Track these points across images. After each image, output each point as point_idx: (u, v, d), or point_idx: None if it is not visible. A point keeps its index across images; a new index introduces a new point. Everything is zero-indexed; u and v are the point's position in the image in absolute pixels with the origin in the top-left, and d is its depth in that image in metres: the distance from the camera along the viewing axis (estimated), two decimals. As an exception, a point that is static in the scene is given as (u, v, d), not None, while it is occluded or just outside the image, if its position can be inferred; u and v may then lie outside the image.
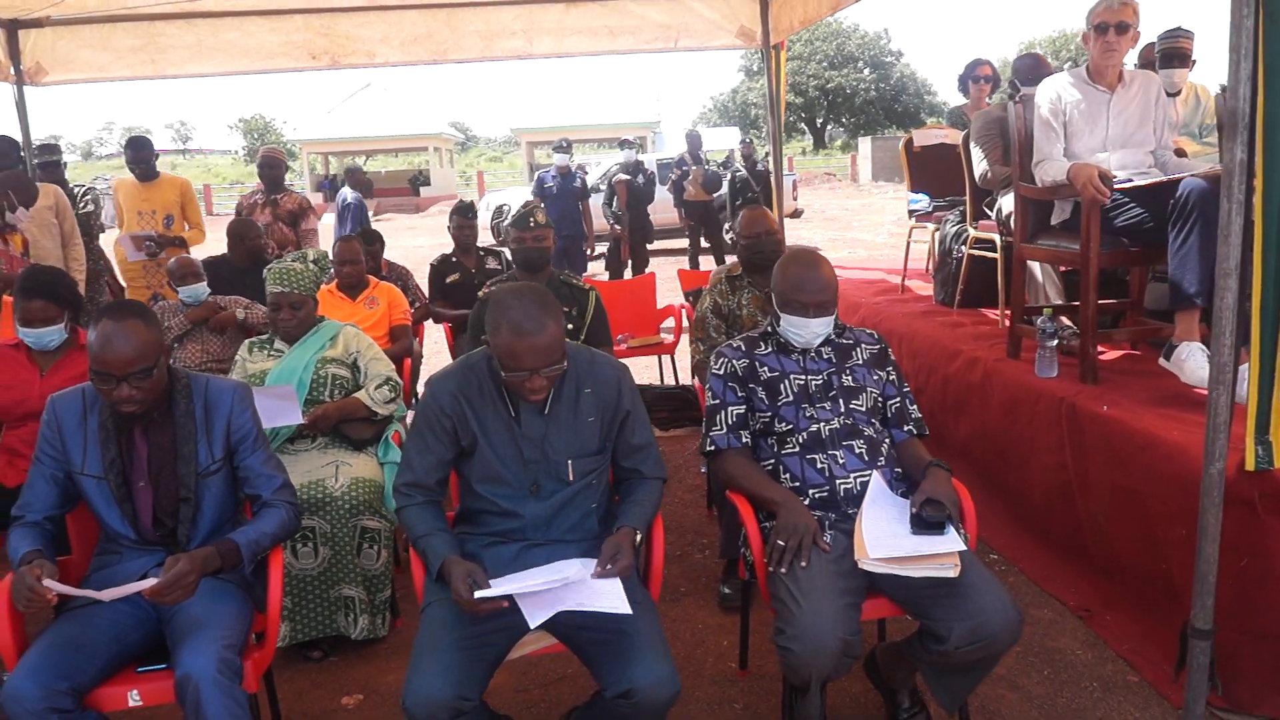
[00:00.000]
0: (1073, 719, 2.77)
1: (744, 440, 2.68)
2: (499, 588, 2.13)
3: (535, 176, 10.15)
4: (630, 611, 2.13)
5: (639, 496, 2.46)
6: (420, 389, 3.22)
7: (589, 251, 10.40)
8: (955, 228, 5.21)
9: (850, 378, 2.70)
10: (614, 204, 10.19)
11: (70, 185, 6.33)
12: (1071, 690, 2.89)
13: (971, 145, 4.80)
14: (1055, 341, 3.67)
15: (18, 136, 6.29)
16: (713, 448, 2.70)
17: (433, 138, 36.20)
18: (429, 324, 5.96)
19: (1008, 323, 4.68)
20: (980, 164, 4.71)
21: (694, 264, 11.06)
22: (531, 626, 2.13)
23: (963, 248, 5.07)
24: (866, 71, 48.93)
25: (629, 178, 10.16)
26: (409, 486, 2.41)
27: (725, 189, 11.05)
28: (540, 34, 6.60)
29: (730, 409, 2.70)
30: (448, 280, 5.93)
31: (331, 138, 35.03)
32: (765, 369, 2.71)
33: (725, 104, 52.88)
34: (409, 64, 6.67)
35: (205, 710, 2.08)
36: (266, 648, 2.39)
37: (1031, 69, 4.76)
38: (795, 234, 14.87)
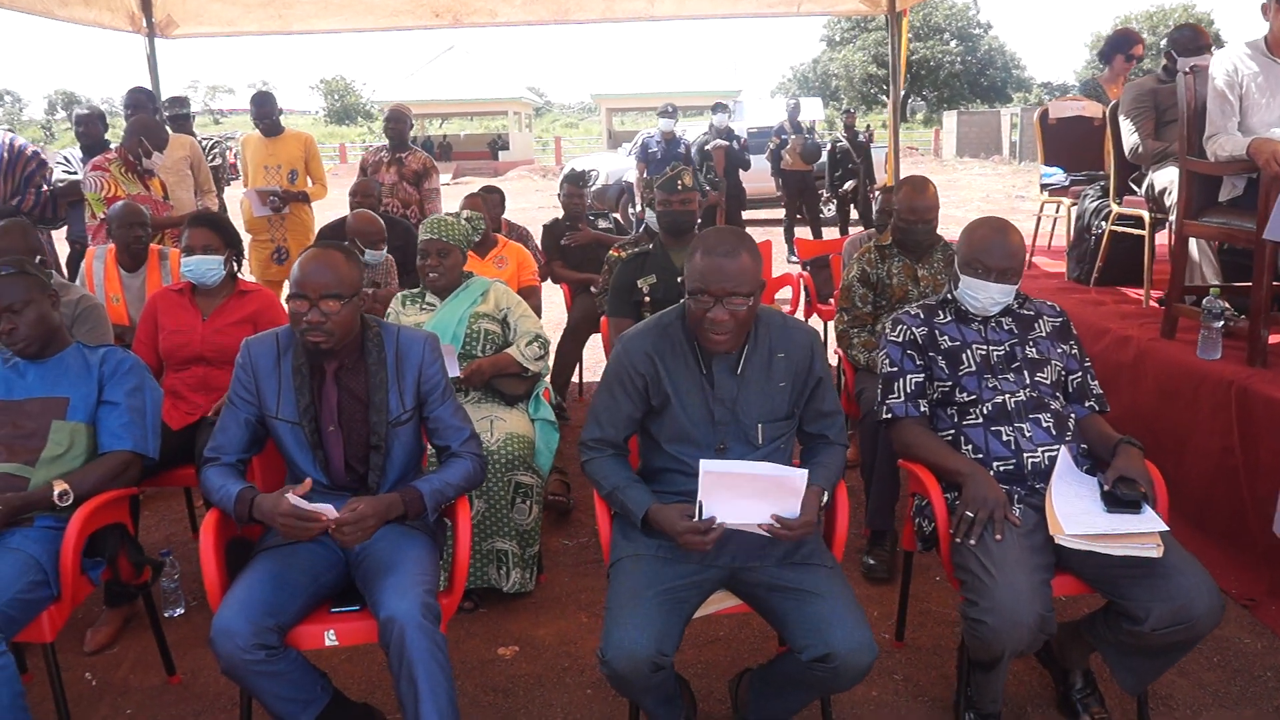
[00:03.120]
0: (1249, 706, 2.69)
1: (922, 409, 2.64)
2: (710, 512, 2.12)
3: (639, 142, 10.08)
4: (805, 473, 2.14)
5: (824, 459, 2.43)
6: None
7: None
8: (1095, 203, 5.06)
9: (1034, 349, 2.63)
10: (705, 170, 10.09)
11: (199, 139, 6.45)
12: (1244, 679, 2.81)
13: (1121, 118, 4.63)
14: (1221, 323, 3.54)
15: (110, 86, 6.49)
16: (889, 415, 2.66)
17: (512, 102, 36.26)
18: (547, 284, 5.98)
19: (1154, 302, 4.56)
20: (1131, 137, 4.55)
21: (789, 235, 10.94)
22: (706, 515, 2.12)
23: (1103, 224, 4.92)
24: (953, 44, 47.76)
25: (725, 143, 10.04)
26: (597, 442, 2.41)
27: (825, 159, 10.88)
28: (662, -5, 6.54)
29: (908, 377, 2.65)
30: (562, 242, 5.94)
31: (413, 99, 35.27)
32: (945, 338, 2.66)
33: (805, 74, 52.09)
34: (529, 23, 6.69)
35: (410, 653, 2.11)
36: (453, 596, 2.42)
37: (1191, 40, 4.57)
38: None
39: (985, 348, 2.63)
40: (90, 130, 5.95)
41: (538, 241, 5.96)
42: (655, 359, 2.35)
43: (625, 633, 2.07)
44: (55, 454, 2.58)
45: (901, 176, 12.35)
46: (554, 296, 6.13)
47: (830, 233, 11.02)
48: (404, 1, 6.53)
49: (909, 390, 2.64)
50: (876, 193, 10.88)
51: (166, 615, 3.28)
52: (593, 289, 5.63)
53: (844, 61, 47.97)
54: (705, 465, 2.10)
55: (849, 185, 10.74)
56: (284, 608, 2.21)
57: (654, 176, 4.15)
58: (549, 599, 3.35)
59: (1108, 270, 4.96)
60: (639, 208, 9.54)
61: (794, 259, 9.91)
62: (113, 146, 5.62)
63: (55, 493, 2.45)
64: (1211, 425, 3.41)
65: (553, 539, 3.81)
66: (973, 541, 2.31)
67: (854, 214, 11.13)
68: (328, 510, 2.21)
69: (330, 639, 2.29)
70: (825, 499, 2.33)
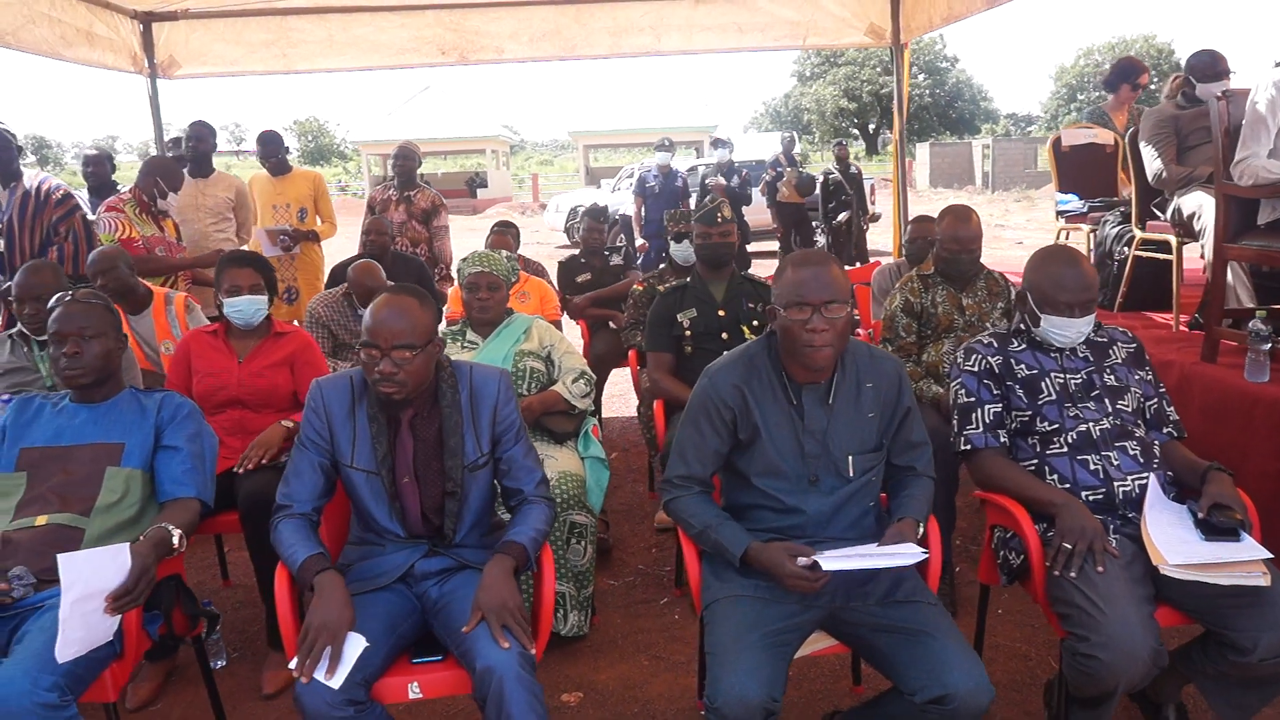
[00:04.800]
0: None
1: (1001, 439, 2.59)
2: (822, 559, 2.07)
3: (636, 176, 10.09)
4: (927, 553, 2.13)
5: (914, 491, 2.38)
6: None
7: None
8: (1116, 229, 5.07)
9: (1112, 376, 2.60)
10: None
11: None
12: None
13: (1142, 145, 4.65)
14: (1269, 345, 3.53)
15: (149, 129, 6.37)
16: (968, 446, 2.61)
17: (489, 140, 36.34)
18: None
19: (1183, 326, 4.56)
20: (1154, 163, 4.57)
21: (785, 266, 10.95)
22: (824, 568, 2.07)
23: (1126, 249, 4.93)
24: (921, 77, 48.51)
25: (723, 181, 10.08)
26: (683, 479, 2.35)
27: (818, 191, 10.94)
28: (669, 30, 6.57)
29: (986, 407, 2.61)
30: (578, 279, 5.90)
31: (390, 139, 35.24)
32: (1022, 366, 2.62)
33: (778, 109, 52.68)
34: (536, 60, 6.68)
35: (509, 704, 2.02)
36: (538, 644, 2.33)
37: (1210, 66, 4.61)
38: (878, 239, 14.66)
39: (1063, 376, 2.59)
40: (98, 171, 5.88)
41: (553, 278, 5.90)
42: (744, 391, 2.30)
43: (735, 678, 1.99)
44: (109, 502, 2.48)
45: (875, 207, 12.37)
46: (569, 333, 6.07)
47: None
48: (410, 40, 6.50)
49: (987, 420, 2.60)
50: (868, 223, 11.02)
51: (214, 666, 3.15)
52: (611, 324, 5.58)
53: (815, 96, 48.60)
54: (825, 564, 2.06)
55: (843, 216, 10.79)
56: (368, 661, 2.12)
57: (693, 209, 4.12)
58: (605, 642, 3.26)
59: (1132, 295, 4.97)
60: (638, 241, 9.53)
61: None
62: (122, 189, 5.54)
63: (174, 539, 2.36)
64: (1269, 447, 3.38)
65: (599, 579, 3.71)
66: (1073, 574, 2.25)
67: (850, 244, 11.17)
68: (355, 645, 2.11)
69: (414, 691, 2.20)
70: (921, 530, 2.28)
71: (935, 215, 4.10)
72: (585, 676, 3.05)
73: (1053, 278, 2.56)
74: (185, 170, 5.49)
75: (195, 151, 5.55)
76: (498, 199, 33.69)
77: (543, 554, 2.38)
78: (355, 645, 2.09)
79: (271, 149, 6.14)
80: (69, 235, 4.68)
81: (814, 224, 11.33)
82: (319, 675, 2.03)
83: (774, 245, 11.64)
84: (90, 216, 5.51)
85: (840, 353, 2.26)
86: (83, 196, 5.91)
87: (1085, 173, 5.60)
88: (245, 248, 5.49)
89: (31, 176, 4.71)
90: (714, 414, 2.31)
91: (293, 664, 2.06)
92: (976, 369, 2.64)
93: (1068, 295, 2.52)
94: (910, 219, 4.87)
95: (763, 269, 4.87)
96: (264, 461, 3.04)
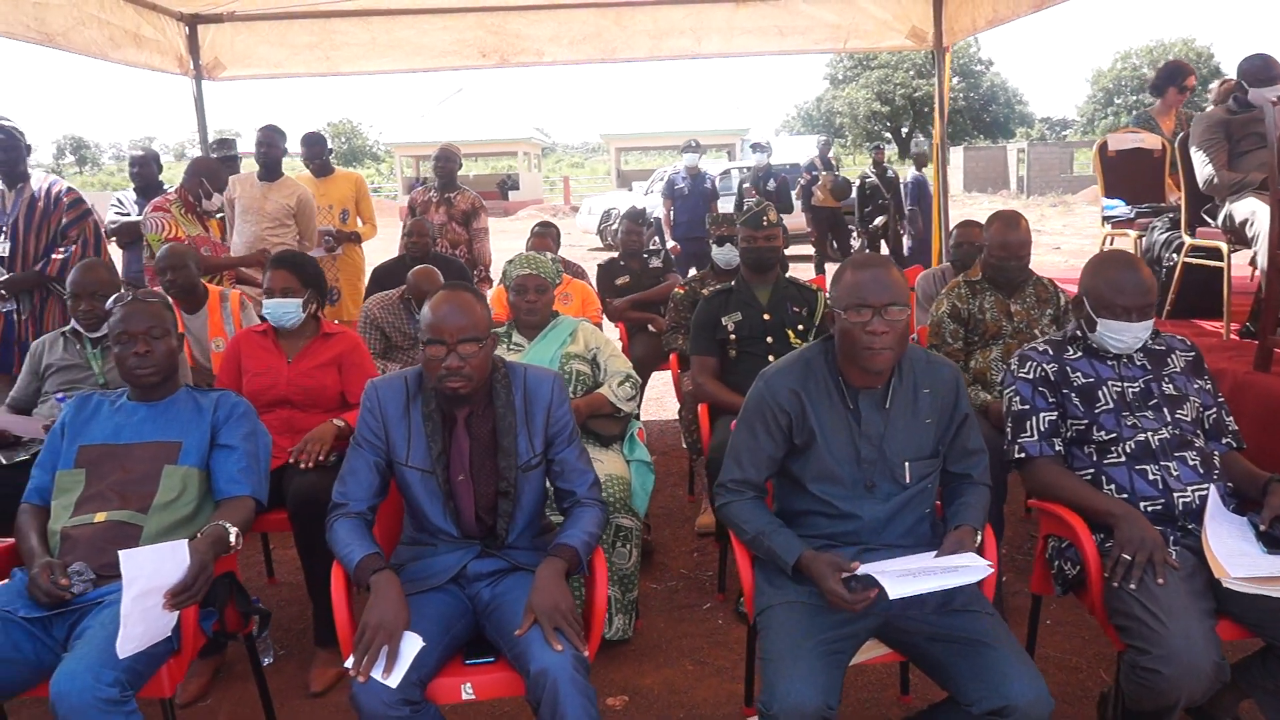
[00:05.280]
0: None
1: (1057, 448, 2.56)
2: (887, 583, 2.03)
3: (665, 179, 10.09)
4: (992, 568, 2.11)
5: (970, 499, 2.35)
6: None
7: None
8: (1165, 235, 5.01)
9: (1171, 385, 2.56)
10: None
11: None
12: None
13: (1192, 150, 4.59)
14: (1325, 354, 3.47)
15: (194, 130, 6.44)
16: (1022, 455, 2.58)
17: (521, 142, 36.51)
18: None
19: (1233, 335, 4.50)
20: (1205, 169, 4.51)
21: (819, 270, 10.92)
22: (891, 597, 2.02)
23: (1175, 256, 4.86)
24: (955, 81, 48.10)
25: (759, 184, 10.06)
26: (737, 484, 2.34)
27: (854, 195, 10.89)
28: (709, 33, 6.56)
29: (1041, 415, 2.58)
30: (617, 282, 5.90)
31: (423, 141, 35.50)
32: (1078, 374, 2.58)
33: (809, 112, 52.47)
34: (577, 63, 6.69)
35: (563, 706, 2.02)
36: (590, 647, 2.33)
37: (1263, 70, 4.53)
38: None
39: (1120, 384, 2.56)
40: (144, 172, 5.95)
41: (592, 279, 5.91)
42: (800, 395, 2.29)
43: (791, 685, 1.98)
44: (167, 500, 2.51)
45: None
46: (608, 335, 6.07)
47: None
48: (451, 42, 6.54)
49: (1042, 429, 2.57)
50: (906, 226, 10.93)
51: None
52: (651, 327, 5.58)
53: (848, 99, 48.30)
54: (892, 590, 2.02)
55: (879, 221, 10.73)
56: (423, 661, 2.12)
57: (737, 213, 4.11)
58: (649, 646, 3.25)
59: (1180, 303, 4.90)
60: (669, 243, 9.53)
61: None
62: (168, 189, 5.60)
63: (231, 537, 2.39)
64: (1325, 460, 3.33)
65: (641, 583, 3.71)
66: (1132, 586, 2.22)
67: (884, 249, 11.11)
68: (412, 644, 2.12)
69: (467, 692, 2.20)
70: (979, 540, 2.26)
71: (982, 220, 4.07)
72: (630, 680, 3.04)
73: (1110, 282, 2.52)
74: (255, 174, 5.57)
75: (265, 157, 5.58)
76: (529, 201, 33.81)
77: (595, 557, 2.38)
78: (412, 644, 2.10)
79: (316, 150, 6.20)
80: (79, 239, 4.53)
81: (850, 228, 11.28)
82: (376, 674, 2.04)
83: (808, 249, 11.58)
84: (129, 217, 5.60)
85: (899, 356, 2.25)
86: (129, 196, 6.00)
87: (1132, 178, 5.53)
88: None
89: (40, 179, 4.59)
90: (769, 418, 2.30)
91: (349, 663, 2.07)
92: (1031, 376, 2.61)
93: (1125, 299, 2.49)
94: (955, 224, 4.82)
95: (797, 273, 4.85)
96: (321, 459, 3.06)
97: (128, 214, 5.85)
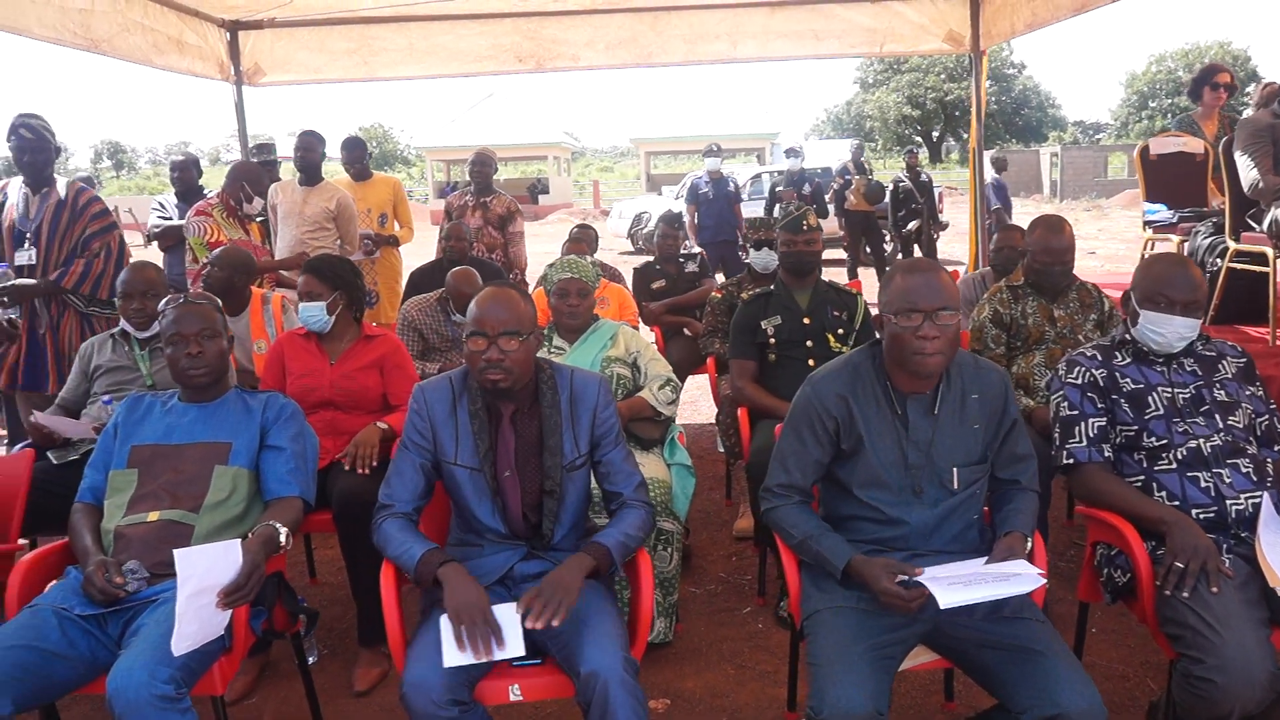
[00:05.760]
0: None
1: (1106, 454, 2.54)
2: (939, 592, 2.01)
3: (688, 184, 10.09)
4: (1043, 578, 2.09)
5: (1019, 505, 2.34)
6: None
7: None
8: (1209, 240, 4.95)
9: (1222, 392, 2.53)
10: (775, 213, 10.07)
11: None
12: None
13: (1237, 154, 4.54)
14: (1378, 361, 3.41)
15: (226, 135, 6.53)
16: (1070, 461, 2.56)
17: (551, 146, 36.60)
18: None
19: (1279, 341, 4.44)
20: (1250, 173, 4.45)
21: (852, 275, 10.87)
22: (942, 607, 2.00)
23: (1219, 261, 4.81)
24: (987, 84, 47.79)
25: (794, 189, 10.04)
26: (784, 488, 2.34)
27: (887, 199, 10.84)
28: (744, 38, 6.54)
29: (1090, 420, 2.55)
30: (653, 286, 5.90)
31: (454, 145, 35.71)
32: (1127, 380, 2.56)
33: (839, 116, 52.32)
34: (612, 68, 6.70)
35: (614, 709, 2.02)
36: (636, 651, 2.33)
37: (1311, 73, 4.48)
38: (946, 248, 14.47)
39: (1170, 390, 2.53)
40: (185, 176, 6.04)
41: (628, 283, 5.92)
42: (848, 400, 2.28)
43: (841, 690, 1.97)
44: (217, 500, 2.54)
45: (943, 215, 12.11)
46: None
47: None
48: (488, 47, 6.56)
49: (1091, 434, 2.54)
50: (938, 232, 10.88)
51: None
52: (686, 331, 5.59)
53: (878, 103, 48.13)
54: (943, 600, 2.00)
55: (913, 225, 10.68)
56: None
57: (776, 217, 4.09)
58: (690, 649, 3.25)
59: (1225, 308, 4.84)
60: (694, 248, 9.53)
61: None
62: (209, 193, 5.67)
63: (282, 537, 2.42)
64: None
65: (680, 586, 3.70)
66: (1185, 594, 2.20)
67: (917, 253, 11.05)
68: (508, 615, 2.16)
69: (515, 693, 2.21)
70: (1029, 546, 2.24)
71: (1025, 225, 4.04)
72: (671, 684, 3.04)
73: (1159, 275, 2.52)
74: (296, 179, 5.63)
75: (304, 161, 5.63)
76: (558, 205, 33.88)
77: (639, 558, 2.39)
78: (508, 614, 2.14)
79: (355, 155, 6.27)
80: (102, 253, 4.31)
81: (883, 232, 11.22)
82: (499, 653, 2.08)
83: (841, 254, 11.54)
84: (171, 220, 5.66)
85: (950, 361, 2.23)
86: (170, 200, 6.09)
87: (1174, 182, 5.47)
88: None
89: (65, 185, 4.36)
90: (816, 423, 2.30)
91: (449, 655, 2.07)
92: (1079, 381, 2.59)
93: (1171, 291, 2.47)
94: (997, 228, 4.79)
95: (829, 278, 4.84)
96: (373, 464, 3.09)
97: (169, 218, 5.94)
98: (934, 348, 2.16)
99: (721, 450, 4.57)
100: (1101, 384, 2.57)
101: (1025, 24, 5.88)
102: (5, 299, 4.22)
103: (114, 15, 5.37)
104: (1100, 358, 2.62)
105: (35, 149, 4.23)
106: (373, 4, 6.11)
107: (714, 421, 4.88)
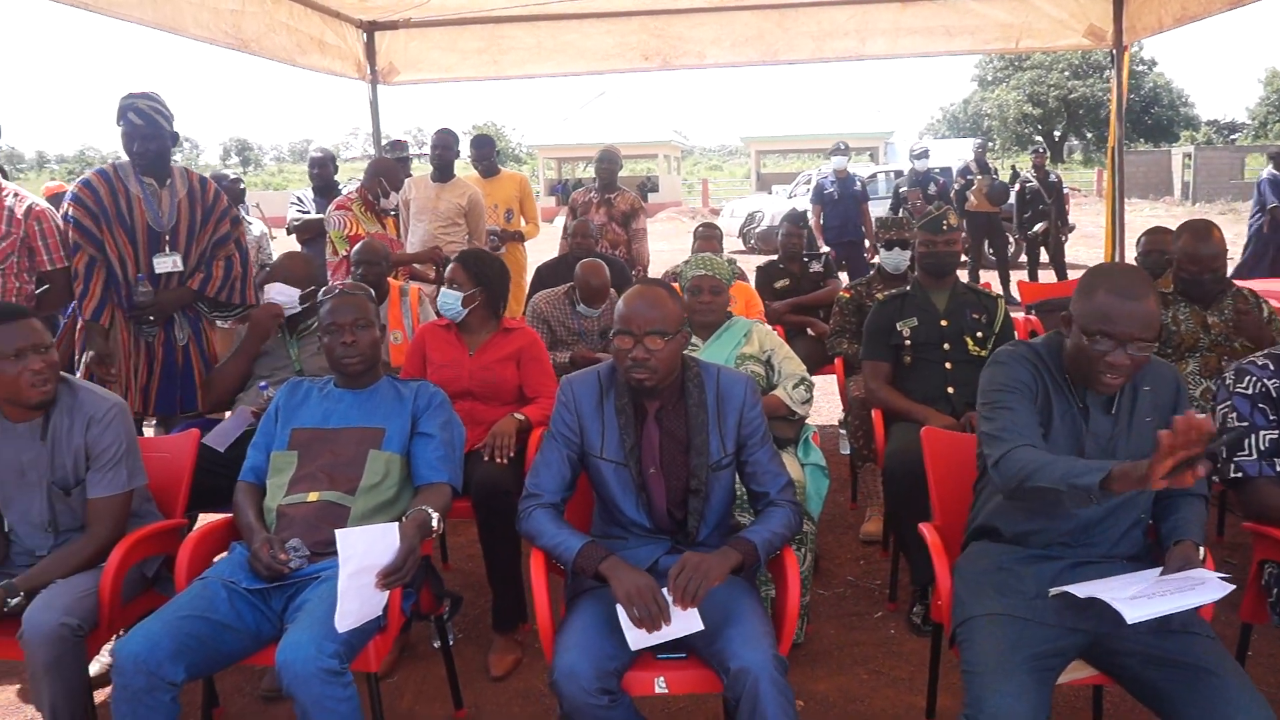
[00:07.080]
0: None
1: (1277, 469, 2.41)
2: (1124, 609, 1.94)
3: (814, 183, 9.98)
4: (1232, 585, 1.98)
5: (1188, 514, 2.24)
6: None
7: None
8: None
9: None
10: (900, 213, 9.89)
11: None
12: None
13: None
14: None
15: (346, 132, 6.77)
16: (1239, 474, 2.44)
17: (661, 145, 36.70)
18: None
19: None
20: None
21: (974, 277, 10.59)
22: (1130, 622, 1.90)
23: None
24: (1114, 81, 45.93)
25: (920, 189, 9.86)
26: (1013, 439, 2.17)
27: (1013, 200, 10.53)
28: (874, 34, 6.43)
29: (1261, 433, 2.43)
30: (776, 285, 5.86)
31: (566, 143, 36.13)
32: (1302, 390, 2.43)
33: (956, 114, 51.04)
34: (738, 65, 6.67)
35: (764, 705, 2.02)
36: (781, 649, 2.32)
37: None
38: (1073, 252, 13.97)
39: (1351, 402, 2.39)
40: (323, 172, 6.26)
41: (751, 281, 5.89)
42: (1043, 379, 2.25)
43: (1002, 700, 1.92)
44: (372, 483, 2.63)
45: (1069, 218, 11.66)
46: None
47: (1018, 276, 10.60)
48: (615, 46, 6.61)
49: (1262, 447, 2.42)
50: (1066, 234, 10.50)
51: (435, 646, 3.30)
52: (810, 330, 5.54)
53: (997, 101, 46.72)
54: (1129, 615, 1.91)
55: (1039, 227, 10.34)
56: (618, 652, 2.16)
57: (917, 218, 4.03)
58: (820, 652, 3.22)
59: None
60: (822, 249, 9.42)
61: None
62: (344, 189, 5.87)
63: (434, 521, 2.50)
64: None
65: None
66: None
67: (1044, 256, 10.72)
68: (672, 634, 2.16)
69: (660, 686, 2.23)
70: (1201, 555, 2.15)
71: (1172, 228, 3.87)
72: (803, 685, 3.02)
73: None
74: (429, 175, 5.80)
75: (440, 159, 5.82)
76: (668, 203, 33.94)
77: (786, 556, 2.37)
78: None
79: (485, 152, 6.41)
80: (238, 253, 3.89)
81: (1007, 235, 10.91)
82: (678, 627, 2.12)
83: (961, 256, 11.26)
84: (309, 214, 5.85)
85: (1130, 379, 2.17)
86: (308, 195, 6.32)
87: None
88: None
89: (181, 174, 3.80)
90: (1022, 392, 2.22)
91: (631, 636, 2.11)
92: (1250, 392, 2.47)
93: None
94: (1144, 231, 4.61)
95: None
96: (511, 455, 3.16)
97: (308, 211, 6.16)
98: (1118, 376, 2.11)
99: (846, 453, 4.51)
100: (1274, 395, 2.45)
101: (1174, 18, 5.63)
102: (152, 317, 3.68)
103: (262, 16, 5.60)
104: (1272, 367, 2.49)
105: (146, 136, 3.58)
106: (505, 3, 6.21)
107: (837, 423, 4.82)
